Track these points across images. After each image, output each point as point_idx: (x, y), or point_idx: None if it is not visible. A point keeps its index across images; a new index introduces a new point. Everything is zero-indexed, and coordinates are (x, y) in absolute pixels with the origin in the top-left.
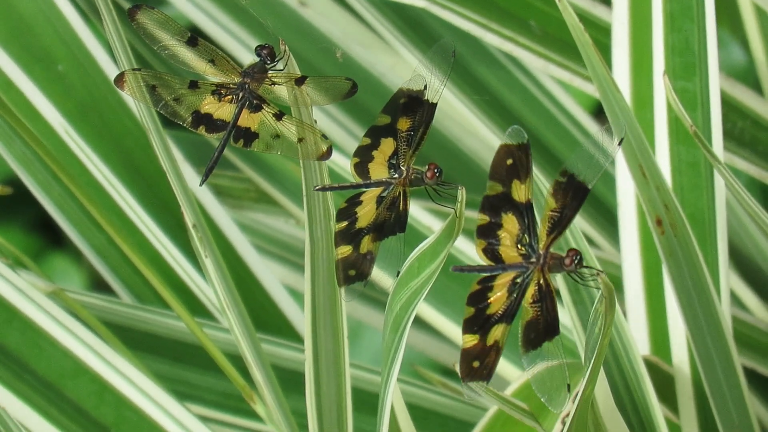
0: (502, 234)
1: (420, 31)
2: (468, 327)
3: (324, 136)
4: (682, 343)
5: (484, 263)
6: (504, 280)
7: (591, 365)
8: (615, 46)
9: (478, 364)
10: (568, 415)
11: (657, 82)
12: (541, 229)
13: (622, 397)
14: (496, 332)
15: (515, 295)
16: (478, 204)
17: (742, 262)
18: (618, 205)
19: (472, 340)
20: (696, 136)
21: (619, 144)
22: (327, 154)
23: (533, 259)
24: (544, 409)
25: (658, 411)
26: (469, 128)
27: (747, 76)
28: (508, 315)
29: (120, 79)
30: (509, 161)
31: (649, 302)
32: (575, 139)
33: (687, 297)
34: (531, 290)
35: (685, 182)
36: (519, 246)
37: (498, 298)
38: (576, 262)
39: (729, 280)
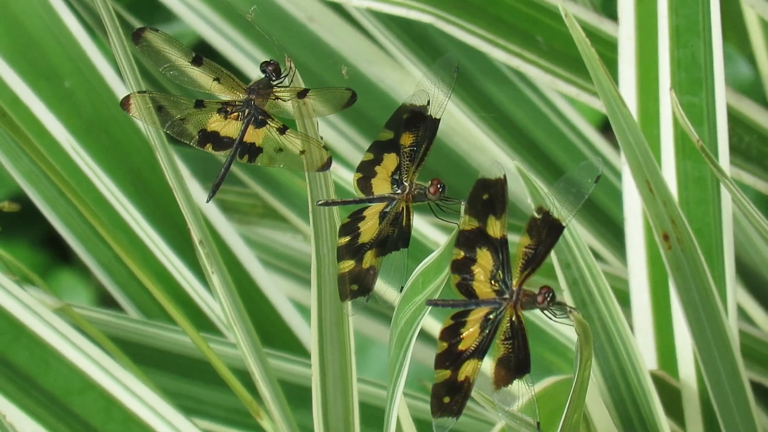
0: (476, 269)
1: (426, 46)
2: (440, 362)
3: (325, 147)
4: (689, 358)
5: (458, 298)
6: (477, 315)
7: (572, 396)
8: (621, 62)
9: (449, 400)
10: None
11: (663, 97)
12: (515, 265)
13: (629, 412)
14: (468, 368)
15: (487, 332)
16: None
17: (749, 277)
18: (625, 219)
19: (443, 375)
20: (703, 151)
21: (595, 182)
22: (327, 165)
23: (506, 296)
24: (551, 424)
25: (665, 425)
26: (477, 144)
27: (753, 90)
28: (480, 351)
29: (126, 102)
30: (485, 196)
31: (656, 316)
32: (582, 154)
33: (694, 311)
34: (503, 327)
35: (692, 197)
36: (492, 282)
37: (470, 334)
38: (548, 299)
39: (736, 294)
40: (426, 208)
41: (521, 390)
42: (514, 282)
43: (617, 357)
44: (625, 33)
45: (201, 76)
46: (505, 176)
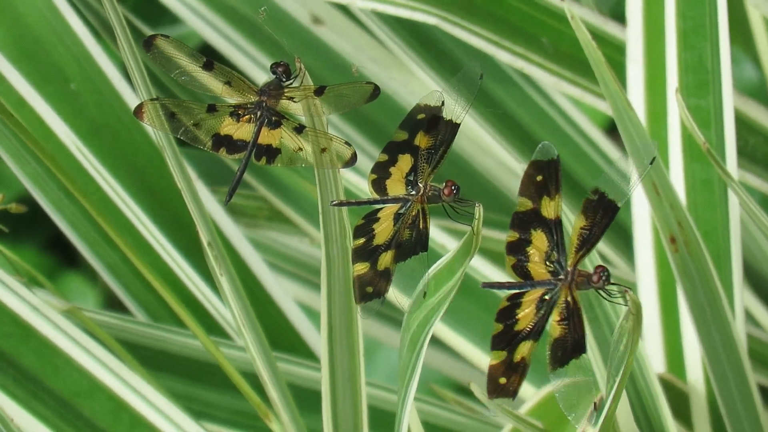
0: (531, 250)
1: (432, 48)
2: (496, 343)
3: (347, 143)
4: (697, 361)
5: (513, 280)
6: (532, 296)
7: (617, 383)
8: (630, 63)
9: (505, 381)
10: None
11: (671, 99)
12: (570, 246)
13: (638, 415)
14: (523, 349)
15: (543, 312)
16: (492, 222)
17: (756, 280)
18: (633, 222)
19: (499, 357)
20: (709, 154)
21: (650, 163)
22: (352, 161)
23: (561, 276)
24: (558, 427)
25: (673, 428)
26: (482, 146)
27: (758, 92)
28: (536, 332)
29: (139, 110)
30: (539, 177)
31: (664, 320)
32: (588, 156)
33: (701, 315)
34: (559, 307)
35: (699, 200)
36: (547, 263)
37: (526, 315)
38: (604, 279)
39: (743, 297)
40: (433, 211)
41: (577, 370)
42: (568, 263)
43: None
44: (634, 35)
45: (212, 81)
46: (558, 156)
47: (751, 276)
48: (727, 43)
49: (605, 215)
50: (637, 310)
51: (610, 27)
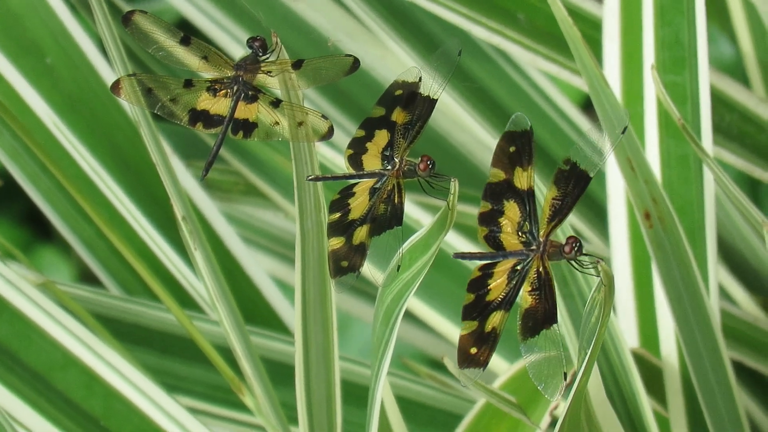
0: (504, 221)
1: (408, 24)
2: (467, 313)
3: (324, 117)
4: (670, 336)
5: (485, 250)
6: (504, 267)
7: (588, 355)
8: (606, 40)
9: (476, 351)
10: (556, 407)
11: (647, 75)
12: (542, 216)
13: (611, 390)
14: (495, 319)
15: (515, 282)
16: (468, 198)
17: (730, 256)
18: (608, 198)
19: (470, 327)
20: (684, 130)
21: (622, 133)
22: (329, 134)
23: (533, 247)
24: (531, 402)
25: (646, 404)
26: (458, 122)
27: (735, 69)
28: (507, 302)
29: (116, 86)
30: (512, 148)
31: (638, 295)
32: (563, 132)
33: (675, 290)
34: (530, 278)
35: (675, 176)
36: (520, 233)
37: (498, 285)
38: (576, 249)
39: (717, 273)
40: (408, 186)
41: (548, 341)
42: (541, 233)
43: None
44: (610, 11)
45: (189, 56)
46: (531, 128)
47: (725, 252)
48: (704, 19)
49: (577, 185)
50: (608, 281)
51: (586, 3)
